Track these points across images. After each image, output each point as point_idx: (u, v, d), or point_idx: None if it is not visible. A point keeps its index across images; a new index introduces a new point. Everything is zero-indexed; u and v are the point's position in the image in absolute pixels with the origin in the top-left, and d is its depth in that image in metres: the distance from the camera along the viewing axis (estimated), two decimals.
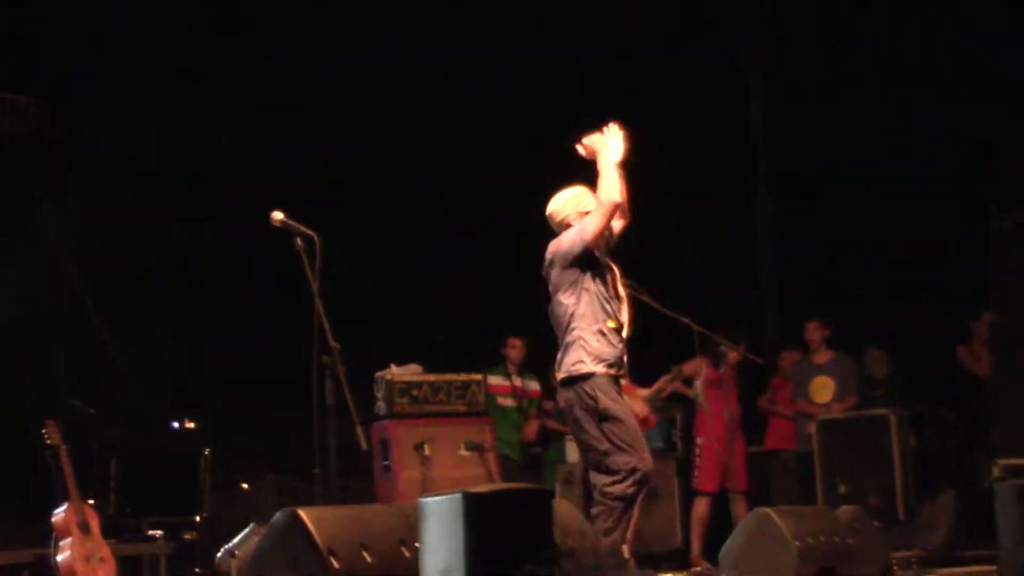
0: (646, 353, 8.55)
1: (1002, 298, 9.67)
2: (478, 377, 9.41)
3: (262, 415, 11.39)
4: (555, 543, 4.66)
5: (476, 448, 8.97)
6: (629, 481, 6.41)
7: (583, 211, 6.73)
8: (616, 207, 6.55)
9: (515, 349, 10.59)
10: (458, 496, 4.43)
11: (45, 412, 8.29)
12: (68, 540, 7.75)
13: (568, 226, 6.74)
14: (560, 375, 6.65)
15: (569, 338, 6.58)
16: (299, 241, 6.44)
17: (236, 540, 8.74)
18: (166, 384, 11.33)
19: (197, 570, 9.48)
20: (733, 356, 9.71)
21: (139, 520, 9.59)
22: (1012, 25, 11.95)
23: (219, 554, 8.79)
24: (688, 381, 10.40)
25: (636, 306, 8.10)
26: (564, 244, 6.67)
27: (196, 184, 11.60)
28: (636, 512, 6.51)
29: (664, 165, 11.41)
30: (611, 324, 6.59)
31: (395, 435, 8.86)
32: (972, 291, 10.48)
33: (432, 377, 9.20)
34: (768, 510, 7.69)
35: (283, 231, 6.54)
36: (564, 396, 6.65)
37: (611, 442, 6.45)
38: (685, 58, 13.15)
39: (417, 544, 5.13)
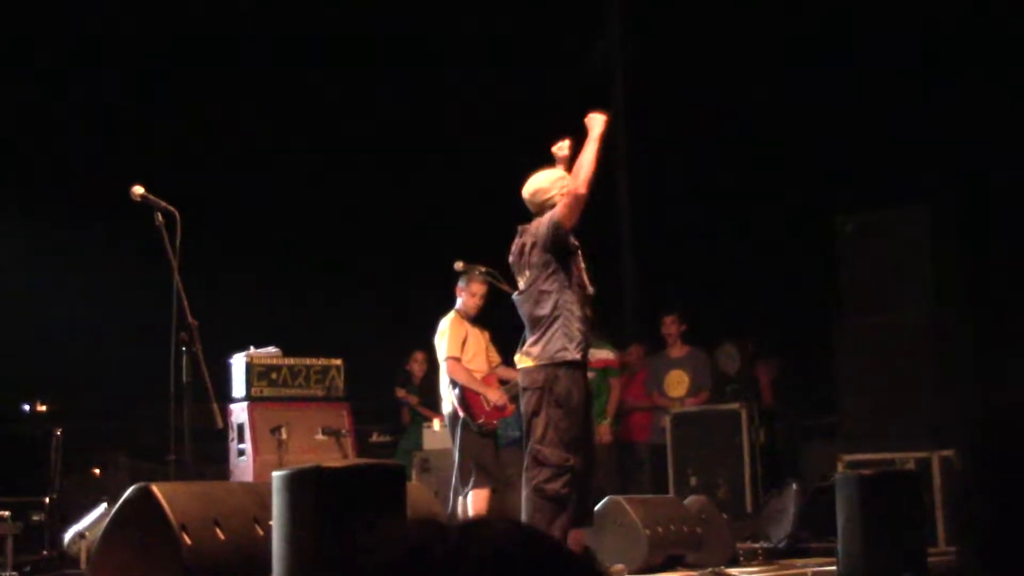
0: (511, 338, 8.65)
1: (847, 299, 10.03)
2: (337, 362, 9.37)
3: (116, 396, 11.22)
4: (406, 514, 4.67)
5: (333, 433, 8.95)
6: (562, 481, 6.39)
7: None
8: (590, 183, 6.52)
9: None
10: (311, 469, 4.44)
11: None
12: None
13: (553, 206, 6.65)
14: (537, 361, 6.56)
15: (551, 324, 6.51)
16: (160, 216, 6.36)
17: (86, 522, 8.64)
18: (17, 364, 11.10)
19: (45, 552, 9.31)
20: None
21: None
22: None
23: (68, 536, 8.68)
24: None
25: (493, 293, 8.22)
26: (544, 228, 6.60)
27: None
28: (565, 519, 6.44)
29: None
30: (588, 312, 6.64)
31: (252, 418, 8.81)
32: (823, 288, 10.78)
33: (291, 360, 9.15)
34: (620, 498, 7.84)
35: (144, 206, 6.45)
36: (533, 378, 6.55)
37: (556, 429, 6.43)
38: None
39: (271, 522, 5.15)
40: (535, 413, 6.48)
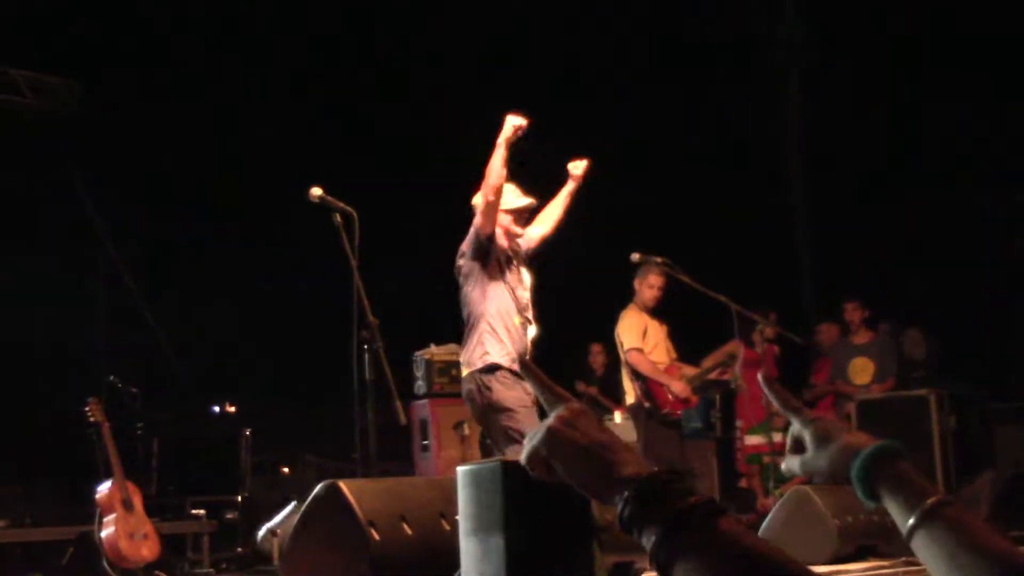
0: (685, 333, 8.57)
1: None
2: None
3: (302, 397, 11.44)
4: (593, 514, 4.63)
5: None
6: None
7: (505, 208, 6.66)
8: (498, 189, 6.44)
9: None
10: (496, 464, 4.42)
11: (87, 391, 8.35)
12: (112, 516, 7.74)
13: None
14: (464, 368, 6.64)
15: (473, 330, 6.56)
16: (338, 217, 6.41)
17: (277, 519, 8.81)
18: (206, 367, 11.41)
19: (239, 549, 9.57)
20: (768, 331, 9.67)
21: (181, 499, 9.69)
22: None
23: (260, 533, 8.87)
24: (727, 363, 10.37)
25: (673, 286, 8.14)
26: (469, 236, 6.67)
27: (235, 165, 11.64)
28: None
29: (698, 142, 11.39)
30: (516, 320, 6.55)
31: (435, 415, 8.91)
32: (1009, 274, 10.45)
33: None
34: (807, 488, 7.67)
35: (321, 207, 6.51)
36: (466, 387, 6.64)
37: (505, 434, 6.43)
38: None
39: (456, 517, 5.16)
40: (485, 425, 6.63)
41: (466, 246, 6.65)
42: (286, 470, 11.40)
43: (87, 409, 8.02)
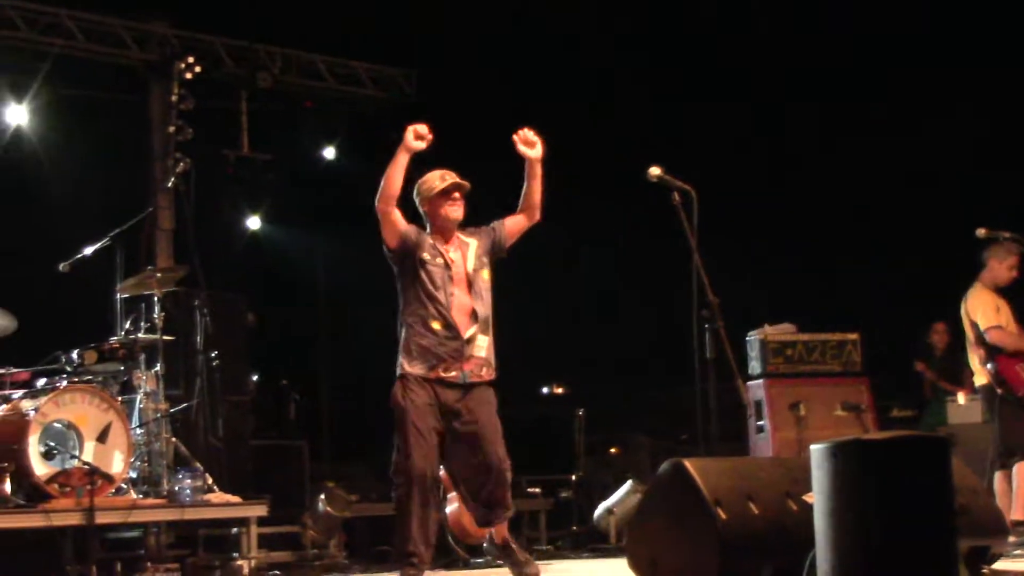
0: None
1: None
2: (853, 336, 9.18)
3: (632, 380, 11.52)
4: (954, 496, 4.46)
5: (853, 408, 8.81)
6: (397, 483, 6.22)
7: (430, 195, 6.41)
8: (387, 198, 6.17)
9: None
10: (852, 442, 4.30)
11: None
12: (454, 494, 7.97)
13: (425, 214, 6.42)
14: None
15: (401, 338, 6.34)
16: (676, 196, 6.39)
17: (614, 498, 8.92)
18: (539, 350, 11.60)
19: (574, 527, 9.72)
20: None
21: (518, 478, 9.90)
22: None
23: (597, 512, 8.98)
24: None
25: None
26: None
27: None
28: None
29: None
30: (436, 325, 6.23)
31: (770, 395, 8.83)
32: None
33: (806, 336, 9.07)
34: None
35: (659, 186, 6.50)
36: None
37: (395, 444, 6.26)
38: None
39: (804, 496, 5.06)
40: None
41: None
42: (614, 450, 11.49)
43: None
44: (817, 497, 4.45)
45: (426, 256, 6.27)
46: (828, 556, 4.31)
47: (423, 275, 6.25)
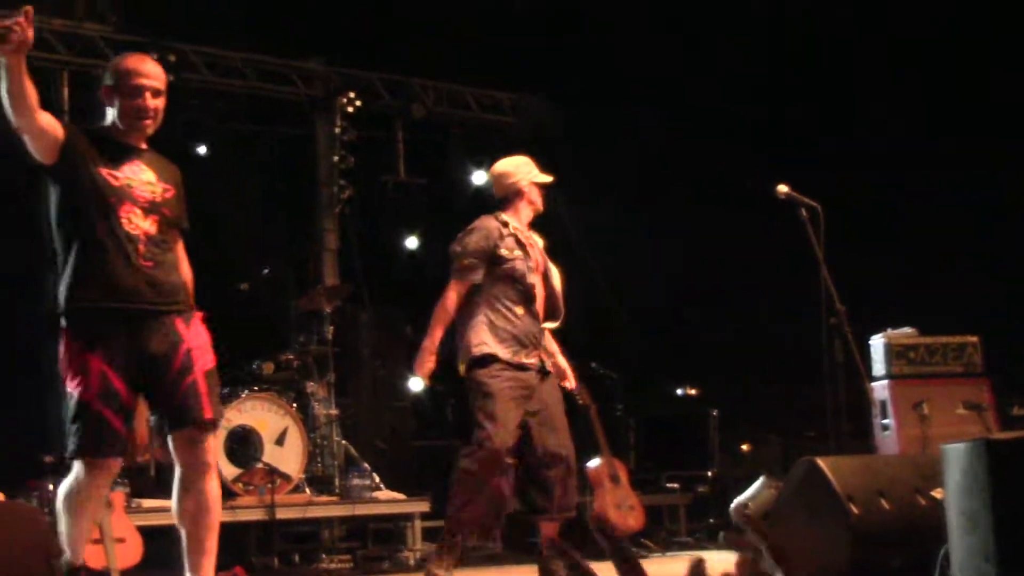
0: None
1: None
2: (973, 339, 9.43)
3: (763, 380, 11.81)
4: None
5: (975, 407, 8.96)
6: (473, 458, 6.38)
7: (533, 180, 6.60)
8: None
9: None
10: (981, 442, 4.48)
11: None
12: (601, 489, 8.41)
13: (518, 193, 6.60)
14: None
15: None
16: (803, 212, 6.66)
17: (748, 493, 9.32)
18: (673, 354, 12.03)
19: (711, 520, 10.17)
20: None
21: (657, 474, 10.41)
22: None
23: (733, 506, 9.44)
24: None
25: None
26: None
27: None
28: None
29: None
30: (519, 310, 6.50)
31: (894, 395, 9.10)
32: None
33: (927, 340, 9.34)
34: None
35: (787, 203, 6.74)
36: None
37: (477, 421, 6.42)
38: None
39: (933, 493, 5.28)
40: None
41: None
42: (746, 447, 11.86)
43: (575, 394, 8.81)
44: (949, 493, 4.64)
45: (509, 243, 6.48)
46: (961, 552, 4.52)
47: (514, 262, 6.47)
